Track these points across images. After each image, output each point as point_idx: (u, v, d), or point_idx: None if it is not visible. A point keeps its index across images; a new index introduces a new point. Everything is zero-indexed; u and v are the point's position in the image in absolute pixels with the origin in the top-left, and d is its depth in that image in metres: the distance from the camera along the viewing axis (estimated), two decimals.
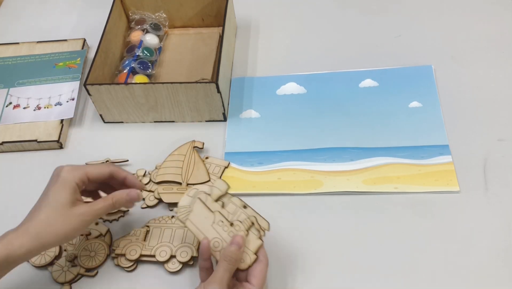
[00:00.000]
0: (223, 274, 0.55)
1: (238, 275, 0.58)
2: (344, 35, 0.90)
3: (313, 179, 0.71)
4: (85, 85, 0.76)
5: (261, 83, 0.84)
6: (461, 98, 0.78)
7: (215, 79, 0.75)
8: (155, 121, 0.82)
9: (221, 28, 0.83)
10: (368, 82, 0.82)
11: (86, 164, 0.76)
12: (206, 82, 0.74)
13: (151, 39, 0.88)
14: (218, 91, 0.75)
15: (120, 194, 0.61)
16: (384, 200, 0.69)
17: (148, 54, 0.86)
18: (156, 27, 0.90)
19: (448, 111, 0.76)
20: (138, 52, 0.86)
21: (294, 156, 0.74)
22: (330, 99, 0.81)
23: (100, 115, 0.82)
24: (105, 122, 0.83)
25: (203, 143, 0.77)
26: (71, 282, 0.65)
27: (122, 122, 0.83)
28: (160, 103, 0.78)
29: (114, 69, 0.86)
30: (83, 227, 0.59)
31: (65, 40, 0.93)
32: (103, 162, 0.76)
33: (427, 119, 0.76)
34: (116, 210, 0.70)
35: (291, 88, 0.83)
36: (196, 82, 0.76)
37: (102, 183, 0.64)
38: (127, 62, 0.85)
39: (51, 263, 0.67)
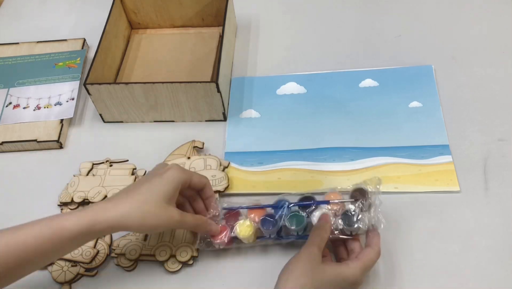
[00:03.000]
0: (316, 238, 0.58)
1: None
2: (344, 35, 0.90)
3: (313, 178, 0.71)
4: (85, 85, 0.76)
5: (261, 83, 0.84)
6: (461, 98, 0.78)
7: (215, 79, 0.75)
8: (155, 121, 0.82)
9: (221, 28, 0.83)
10: (368, 82, 0.82)
11: None
12: (206, 82, 0.74)
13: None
14: (218, 91, 0.75)
15: (206, 221, 0.63)
16: (384, 200, 0.68)
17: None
18: None
19: (448, 111, 0.76)
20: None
21: (294, 156, 0.74)
22: (330, 99, 0.80)
23: (100, 115, 0.82)
24: (105, 122, 0.83)
25: (203, 143, 0.77)
26: (71, 282, 0.65)
27: (122, 122, 0.83)
28: (160, 103, 0.78)
29: (114, 69, 0.86)
30: (163, 228, 0.61)
31: (65, 40, 0.93)
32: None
33: (427, 119, 0.76)
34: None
35: (291, 88, 0.83)
36: (196, 82, 0.75)
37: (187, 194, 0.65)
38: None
39: (50, 263, 0.67)
